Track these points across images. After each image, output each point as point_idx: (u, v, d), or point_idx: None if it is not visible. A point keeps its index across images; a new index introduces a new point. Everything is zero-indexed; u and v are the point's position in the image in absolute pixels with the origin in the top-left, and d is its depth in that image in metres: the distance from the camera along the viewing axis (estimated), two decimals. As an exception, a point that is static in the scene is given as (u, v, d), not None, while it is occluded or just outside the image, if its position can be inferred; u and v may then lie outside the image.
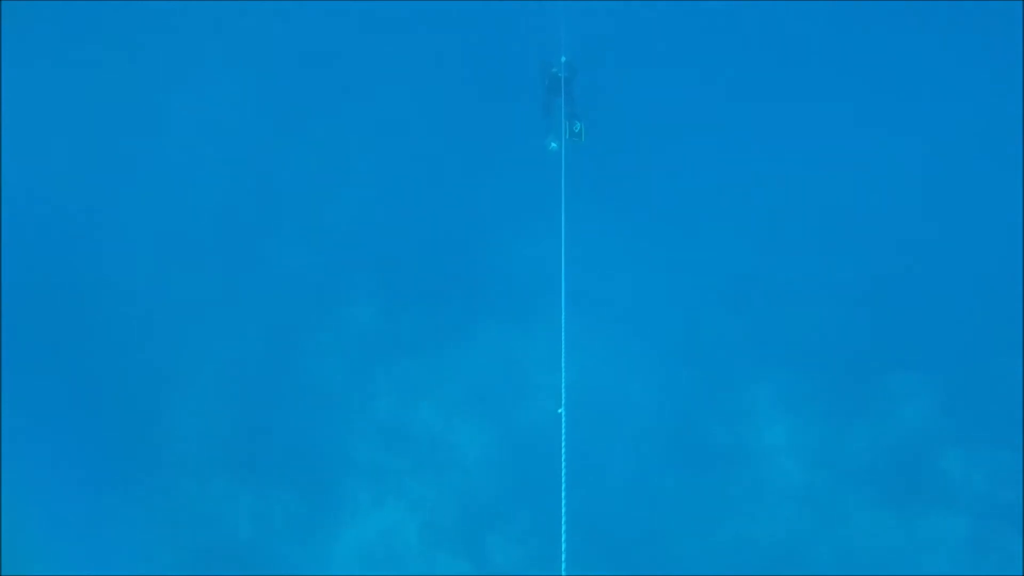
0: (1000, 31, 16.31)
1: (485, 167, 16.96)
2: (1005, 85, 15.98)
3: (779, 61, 17.68)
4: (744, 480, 13.20)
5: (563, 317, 8.83)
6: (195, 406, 14.64)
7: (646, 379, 14.27)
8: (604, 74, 17.31)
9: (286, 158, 17.51)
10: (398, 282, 15.74)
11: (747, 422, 13.80)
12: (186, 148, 17.44)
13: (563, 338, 8.58)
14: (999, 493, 12.44)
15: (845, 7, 17.28)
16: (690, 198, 16.40)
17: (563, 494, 6.43)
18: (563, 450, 6.86)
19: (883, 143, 16.22)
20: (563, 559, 5.88)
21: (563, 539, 5.98)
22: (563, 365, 8.16)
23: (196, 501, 13.78)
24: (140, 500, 13.76)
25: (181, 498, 13.80)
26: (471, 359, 14.80)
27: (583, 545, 6.81)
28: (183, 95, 17.85)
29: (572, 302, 9.25)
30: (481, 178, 16.87)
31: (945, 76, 16.75)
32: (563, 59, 14.36)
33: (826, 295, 14.88)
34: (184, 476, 13.98)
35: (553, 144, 14.22)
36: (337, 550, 13.28)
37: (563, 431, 7.09)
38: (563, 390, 7.64)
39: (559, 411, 7.18)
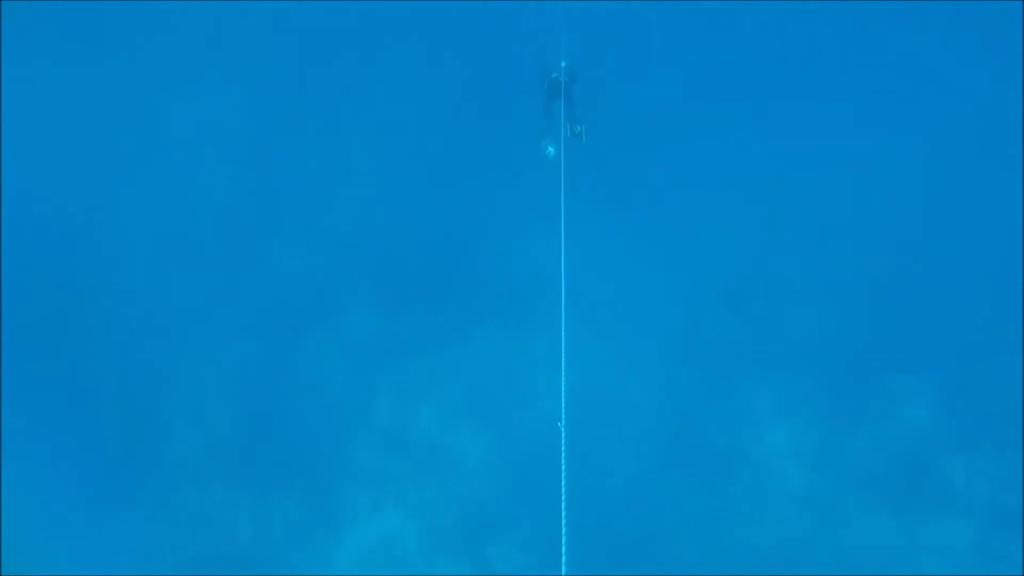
0: (1000, 31, 16.28)
1: (485, 169, 16.94)
2: (1005, 85, 15.95)
3: (779, 62, 17.65)
4: (744, 483, 13.18)
5: (563, 319, 8.78)
6: (195, 410, 14.63)
7: (646, 381, 14.25)
8: (604, 75, 17.30)
9: (286, 159, 17.49)
10: (398, 285, 15.72)
11: (747, 424, 13.77)
12: (186, 149, 17.42)
13: (563, 341, 8.54)
14: (1002, 497, 12.40)
15: (845, 7, 17.24)
16: (690, 199, 16.38)
17: (563, 496, 6.41)
18: (563, 451, 6.84)
19: (883, 144, 16.18)
20: (563, 561, 5.86)
21: (563, 540, 5.96)
22: (563, 369, 8.12)
23: (196, 505, 13.76)
24: (140, 504, 13.74)
25: (181, 502, 13.79)
26: (471, 362, 14.78)
27: (583, 548, 6.78)
28: (183, 95, 17.83)
29: (572, 304, 9.22)
30: (481, 180, 16.85)
31: (945, 76, 16.71)
32: (563, 64, 14.33)
33: (826, 296, 14.86)
34: (184, 480, 13.97)
35: (550, 149, 14.21)
36: (337, 555, 13.25)
37: (563, 435, 7.07)
38: (563, 396, 7.61)
39: (559, 424, 7.16)
